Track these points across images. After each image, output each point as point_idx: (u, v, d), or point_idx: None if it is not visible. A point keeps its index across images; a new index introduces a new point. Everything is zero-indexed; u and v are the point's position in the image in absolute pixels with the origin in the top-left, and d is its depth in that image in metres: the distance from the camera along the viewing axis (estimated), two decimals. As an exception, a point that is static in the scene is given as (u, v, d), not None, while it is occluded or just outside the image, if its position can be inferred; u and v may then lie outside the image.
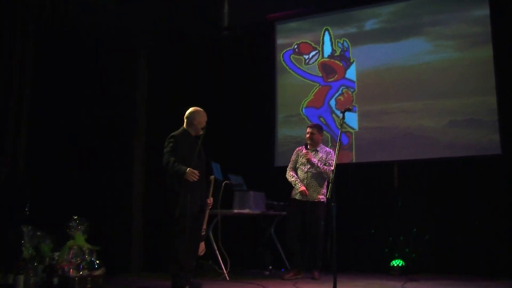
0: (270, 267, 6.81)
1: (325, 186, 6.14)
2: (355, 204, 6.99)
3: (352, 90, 7.26)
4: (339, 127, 5.25)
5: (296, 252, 6.12)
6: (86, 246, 5.55)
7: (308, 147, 6.17)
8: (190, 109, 5.20)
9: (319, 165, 5.99)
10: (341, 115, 4.72)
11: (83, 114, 7.07)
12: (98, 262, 5.55)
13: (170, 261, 4.92)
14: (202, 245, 5.21)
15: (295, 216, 6.05)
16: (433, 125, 6.68)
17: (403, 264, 6.51)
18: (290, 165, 6.24)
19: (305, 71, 7.63)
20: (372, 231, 6.89)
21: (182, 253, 4.82)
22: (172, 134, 5.00)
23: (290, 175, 6.18)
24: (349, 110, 4.90)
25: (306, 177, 6.09)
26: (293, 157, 6.24)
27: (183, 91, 7.49)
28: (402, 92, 6.90)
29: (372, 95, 7.05)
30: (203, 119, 5.13)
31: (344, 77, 7.33)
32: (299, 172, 6.16)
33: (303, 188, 5.99)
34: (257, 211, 6.53)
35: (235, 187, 6.25)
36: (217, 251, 6.19)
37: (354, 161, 7.12)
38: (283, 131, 7.30)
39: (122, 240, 7.01)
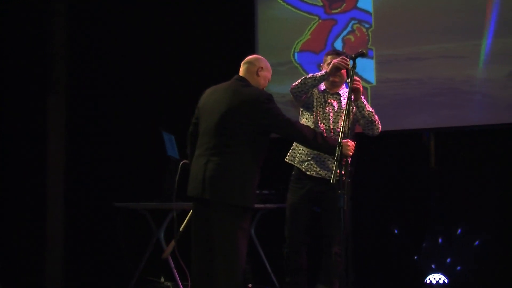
0: (250, 285, 6.13)
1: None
2: (372, 193, 6.40)
3: (367, 26, 6.68)
4: (348, 80, 4.77)
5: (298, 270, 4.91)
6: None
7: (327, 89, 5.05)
8: (255, 56, 4.49)
9: (370, 110, 4.78)
10: (350, 63, 4.53)
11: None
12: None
13: None
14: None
15: (303, 210, 4.80)
16: (488, 77, 6.13)
17: (445, 281, 5.91)
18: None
19: (298, -1, 7.49)
20: (396, 231, 6.31)
21: None
22: (264, 90, 4.40)
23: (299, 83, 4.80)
24: (362, 55, 4.39)
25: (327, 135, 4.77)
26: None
27: (120, 34, 7.06)
28: (441, 28, 6.28)
29: (397, 32, 6.46)
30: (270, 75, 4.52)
31: (355, 7, 6.76)
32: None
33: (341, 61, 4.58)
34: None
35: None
36: (172, 264, 5.72)
37: (370, 129, 6.79)
38: (267, 87, 6.33)
39: (31, 246, 6.56)
